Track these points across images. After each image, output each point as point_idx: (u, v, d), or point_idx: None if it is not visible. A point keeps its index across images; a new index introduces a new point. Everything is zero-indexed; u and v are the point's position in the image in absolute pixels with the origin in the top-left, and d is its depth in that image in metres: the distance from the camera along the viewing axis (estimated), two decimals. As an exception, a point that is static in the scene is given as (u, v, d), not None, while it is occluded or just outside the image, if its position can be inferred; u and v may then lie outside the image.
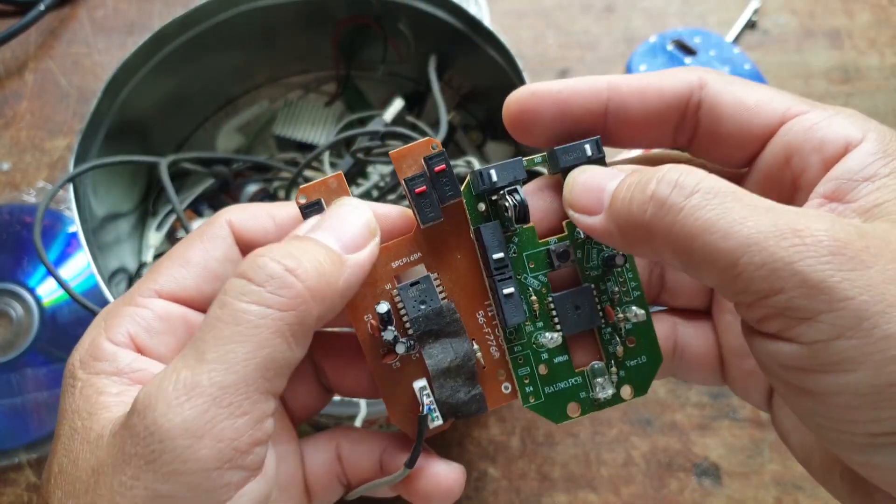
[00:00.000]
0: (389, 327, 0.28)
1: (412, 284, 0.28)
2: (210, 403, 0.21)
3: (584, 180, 0.27)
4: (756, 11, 0.67)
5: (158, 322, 0.26)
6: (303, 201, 0.28)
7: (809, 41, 0.67)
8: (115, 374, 0.25)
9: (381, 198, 0.55)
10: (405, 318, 0.29)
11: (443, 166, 0.28)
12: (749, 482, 0.54)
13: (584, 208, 0.26)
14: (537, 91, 0.28)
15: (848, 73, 0.65)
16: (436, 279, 0.29)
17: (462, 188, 0.29)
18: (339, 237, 0.26)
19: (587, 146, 0.28)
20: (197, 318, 0.28)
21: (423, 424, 0.29)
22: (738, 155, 0.28)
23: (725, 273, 0.22)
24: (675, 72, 0.28)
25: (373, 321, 0.28)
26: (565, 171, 0.28)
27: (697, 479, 0.54)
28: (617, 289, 0.30)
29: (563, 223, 0.30)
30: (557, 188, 0.29)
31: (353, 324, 0.29)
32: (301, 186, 0.28)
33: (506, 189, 0.28)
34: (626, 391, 0.30)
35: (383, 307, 0.28)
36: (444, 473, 0.29)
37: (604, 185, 0.26)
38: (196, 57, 0.53)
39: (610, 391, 0.30)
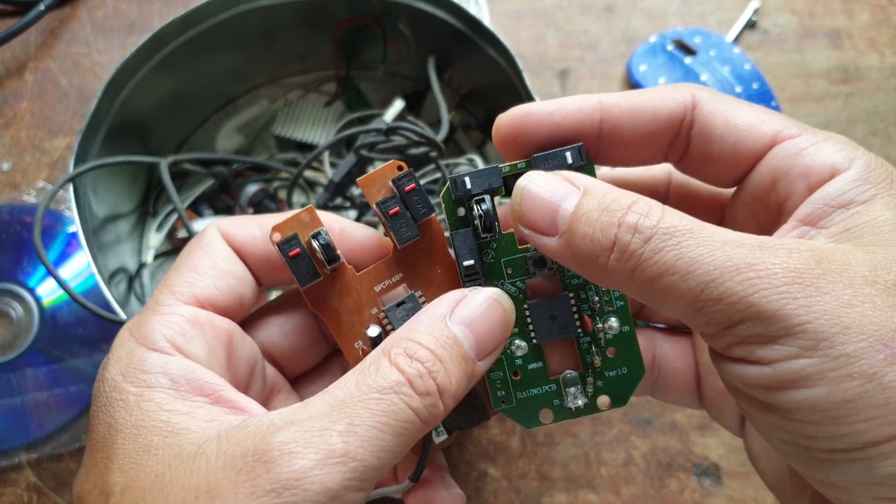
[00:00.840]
0: None
1: (398, 305, 0.29)
2: (351, 478, 0.22)
3: (534, 198, 0.26)
4: (756, 11, 0.67)
5: (190, 327, 0.27)
6: (277, 238, 0.28)
7: (809, 41, 0.67)
8: (173, 388, 0.25)
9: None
10: None
11: (413, 185, 0.28)
12: (749, 482, 0.54)
13: (537, 227, 0.26)
14: (529, 113, 0.28)
15: (848, 73, 0.65)
16: (420, 297, 0.29)
17: (442, 192, 0.29)
18: (479, 339, 0.26)
19: (567, 154, 0.28)
20: (221, 322, 0.28)
21: (427, 440, 0.29)
22: (727, 175, 0.28)
23: (687, 309, 0.23)
24: (667, 90, 0.28)
25: (364, 347, 0.29)
26: None
27: (697, 479, 0.54)
28: (597, 298, 0.30)
29: None
30: None
31: (344, 352, 0.29)
32: (274, 224, 0.28)
33: (475, 198, 0.28)
34: (602, 401, 0.30)
35: (374, 331, 0.28)
36: (443, 499, 0.30)
37: (558, 204, 0.25)
38: (196, 57, 0.53)
39: (581, 401, 0.29)
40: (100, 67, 0.65)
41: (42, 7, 0.64)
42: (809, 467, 0.23)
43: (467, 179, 0.28)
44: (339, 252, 0.28)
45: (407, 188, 0.28)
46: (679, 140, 0.28)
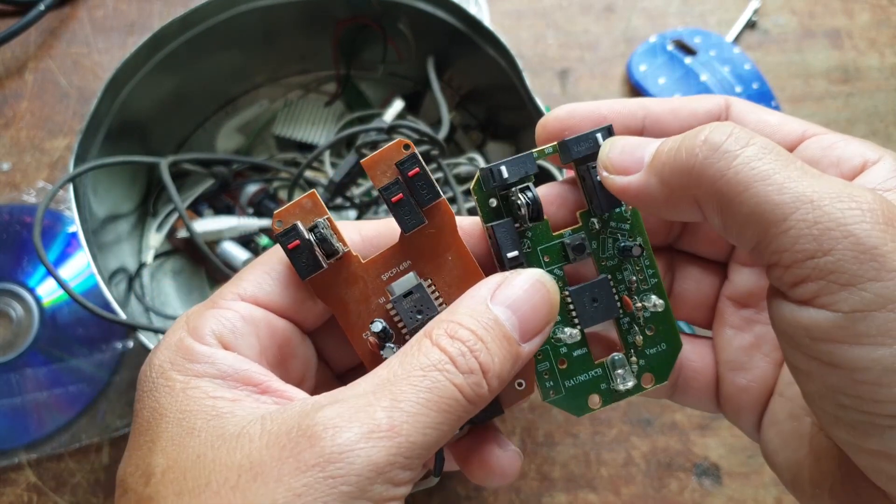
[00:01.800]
0: (388, 344, 0.28)
1: (405, 295, 0.28)
2: (397, 454, 0.22)
3: (624, 143, 0.27)
4: (756, 11, 0.67)
5: (242, 324, 0.27)
6: (279, 227, 0.27)
7: (809, 41, 0.67)
8: (220, 378, 0.25)
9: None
10: (404, 331, 0.28)
11: (416, 170, 0.27)
12: (749, 482, 0.54)
13: (621, 169, 0.26)
14: (577, 109, 0.29)
15: (848, 73, 0.65)
16: (429, 285, 0.28)
17: (472, 185, 0.28)
18: (522, 320, 0.26)
19: (598, 135, 0.28)
20: (280, 323, 0.28)
21: None
22: None
23: (772, 228, 0.22)
24: (702, 95, 0.29)
25: (371, 339, 0.28)
26: (578, 161, 0.28)
27: (697, 479, 0.54)
28: (634, 278, 0.30)
29: (577, 213, 0.30)
30: (572, 182, 0.30)
31: (352, 344, 0.29)
32: (276, 211, 0.27)
33: (518, 186, 0.28)
34: (646, 379, 0.30)
35: (377, 326, 0.28)
36: (498, 458, 0.29)
37: (644, 146, 0.26)
38: (196, 57, 0.53)
39: (631, 382, 0.30)
40: (100, 67, 0.65)
41: (42, 7, 0.64)
42: (864, 435, 0.22)
43: (504, 168, 0.27)
44: (338, 245, 0.28)
45: (410, 173, 0.27)
46: None
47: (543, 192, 0.29)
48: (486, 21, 0.55)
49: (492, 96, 0.58)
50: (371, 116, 0.60)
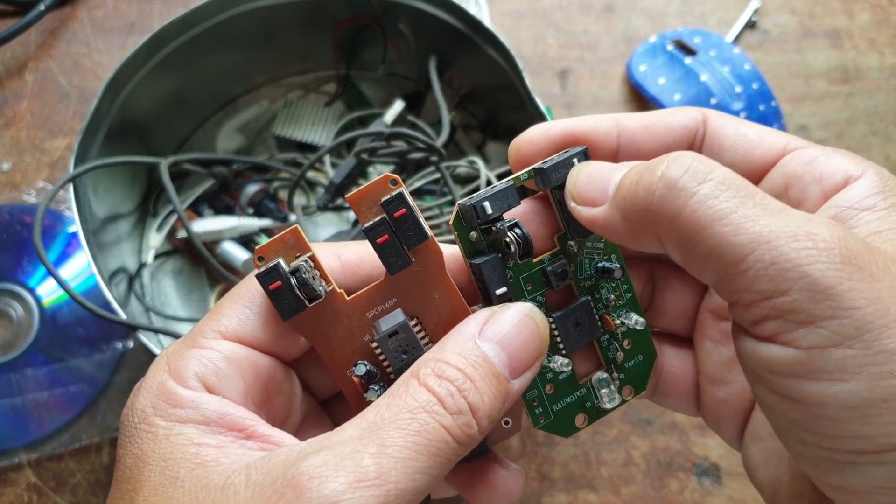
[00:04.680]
0: (371, 386, 0.27)
1: (391, 335, 0.26)
2: (384, 502, 0.21)
3: (590, 172, 0.26)
4: (756, 11, 0.67)
5: (226, 364, 0.26)
6: (261, 263, 0.26)
7: (809, 41, 0.67)
8: (204, 423, 0.24)
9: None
10: (389, 370, 0.27)
11: (402, 210, 0.26)
12: (749, 482, 0.53)
13: (587, 199, 0.26)
14: (549, 129, 0.28)
15: (848, 73, 0.65)
16: (416, 324, 0.27)
17: (452, 221, 0.27)
18: (511, 357, 0.25)
19: (575, 159, 0.27)
20: (264, 360, 0.27)
21: None
22: None
23: (730, 268, 0.21)
24: (677, 109, 0.28)
25: (355, 378, 0.27)
26: (556, 189, 0.28)
27: (697, 479, 0.54)
28: (612, 296, 0.30)
29: (555, 237, 0.29)
30: (543, 200, 0.29)
31: (337, 382, 0.28)
32: (257, 247, 0.26)
33: (504, 224, 0.27)
34: (626, 392, 0.30)
35: (361, 369, 0.27)
36: (503, 478, 0.29)
37: (609, 175, 0.25)
38: (196, 57, 0.53)
39: (617, 400, 0.30)
40: (100, 67, 0.65)
41: (42, 7, 0.64)
42: (825, 470, 0.22)
43: (487, 205, 0.26)
44: (320, 288, 0.26)
45: (396, 214, 0.26)
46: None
47: (518, 213, 0.29)
48: (486, 21, 0.55)
49: (492, 96, 0.58)
50: (371, 116, 0.60)
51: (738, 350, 0.24)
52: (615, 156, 0.28)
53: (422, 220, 0.26)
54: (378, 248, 0.26)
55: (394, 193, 0.26)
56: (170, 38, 0.51)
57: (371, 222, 0.26)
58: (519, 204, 0.27)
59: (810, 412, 0.21)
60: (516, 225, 0.27)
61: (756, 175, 0.27)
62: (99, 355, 0.56)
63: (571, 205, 0.26)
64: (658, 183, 0.23)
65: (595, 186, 0.26)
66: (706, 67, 0.63)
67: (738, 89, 0.63)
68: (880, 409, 0.20)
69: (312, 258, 0.27)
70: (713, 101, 0.62)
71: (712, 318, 0.31)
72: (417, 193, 0.57)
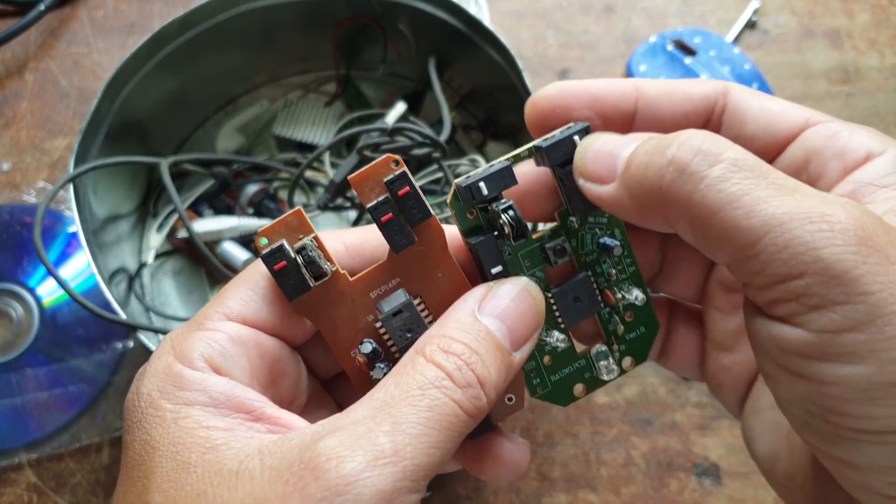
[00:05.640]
0: (378, 364, 0.27)
1: (395, 314, 0.27)
2: (403, 478, 0.22)
3: (598, 147, 0.26)
4: (756, 11, 0.67)
5: (231, 345, 0.26)
6: (264, 244, 0.26)
7: (809, 41, 0.67)
8: (212, 405, 0.24)
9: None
10: (394, 349, 0.27)
11: (406, 188, 0.26)
12: (749, 482, 0.54)
13: (596, 176, 0.25)
14: (568, 87, 0.28)
15: (848, 73, 0.65)
16: (419, 303, 0.28)
17: (449, 199, 0.27)
18: (511, 329, 0.26)
19: (576, 137, 0.27)
20: (269, 341, 0.27)
21: None
22: (759, 155, 0.28)
23: (743, 252, 0.21)
24: (699, 80, 0.28)
25: (360, 358, 0.27)
26: (558, 167, 0.27)
27: (697, 479, 0.54)
28: (614, 270, 0.29)
29: (556, 213, 0.29)
30: (545, 175, 0.29)
31: (341, 362, 0.28)
32: (260, 229, 0.26)
33: (499, 205, 0.27)
34: (626, 362, 0.30)
35: (367, 347, 0.27)
36: (509, 451, 0.29)
37: (618, 151, 0.25)
38: (196, 57, 0.53)
39: (616, 373, 0.30)
40: (100, 67, 0.65)
41: (42, 7, 0.64)
42: (828, 443, 0.22)
43: (482, 185, 0.26)
44: (326, 266, 0.27)
45: (400, 192, 0.26)
46: (711, 124, 0.28)
47: (519, 190, 0.28)
48: (486, 21, 0.55)
49: (492, 96, 0.58)
50: (371, 117, 0.60)
51: (748, 325, 0.24)
52: (632, 121, 0.28)
53: (424, 199, 0.27)
54: (382, 227, 0.26)
55: (397, 173, 0.26)
56: (170, 38, 0.51)
57: (375, 201, 0.26)
58: (516, 183, 0.27)
59: (818, 389, 0.21)
60: (511, 207, 0.27)
61: (777, 148, 0.27)
62: (99, 355, 0.56)
63: (580, 181, 0.26)
64: (668, 167, 0.22)
65: (603, 163, 0.25)
66: (706, 67, 0.63)
67: (738, 89, 0.63)
68: (887, 393, 0.20)
69: (316, 238, 0.27)
70: (713, 101, 0.62)
71: (721, 290, 0.31)
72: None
